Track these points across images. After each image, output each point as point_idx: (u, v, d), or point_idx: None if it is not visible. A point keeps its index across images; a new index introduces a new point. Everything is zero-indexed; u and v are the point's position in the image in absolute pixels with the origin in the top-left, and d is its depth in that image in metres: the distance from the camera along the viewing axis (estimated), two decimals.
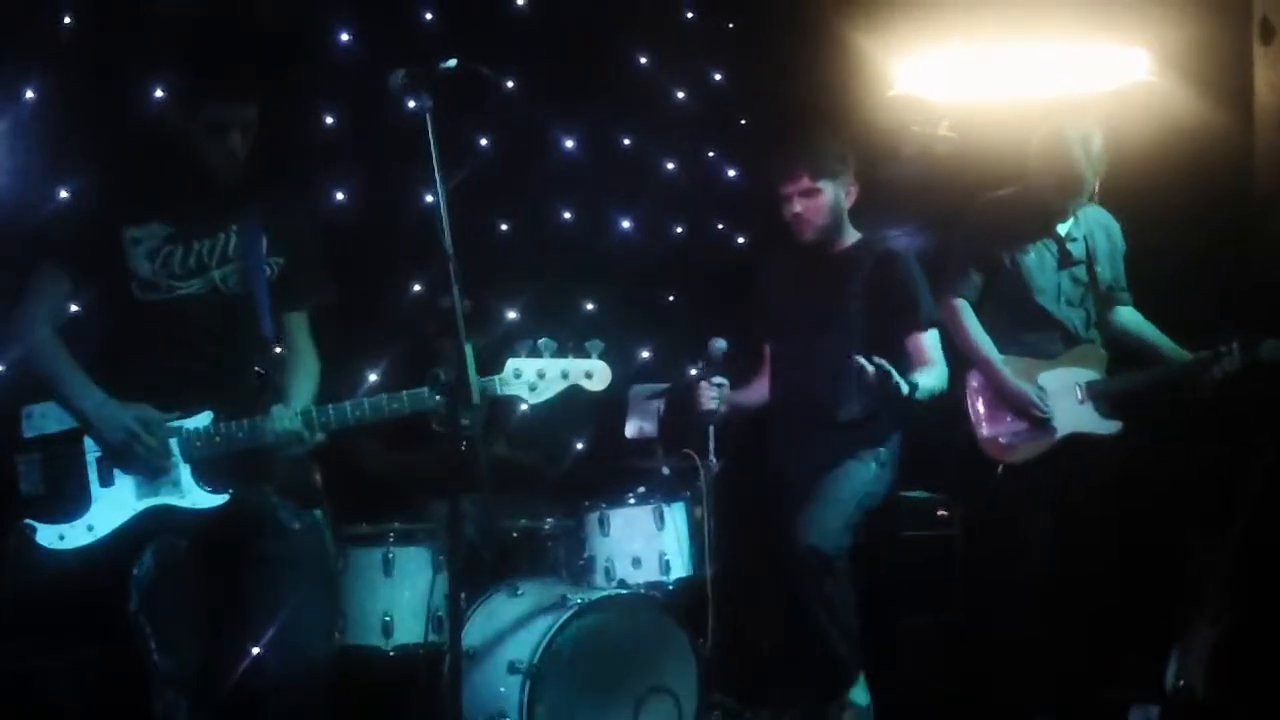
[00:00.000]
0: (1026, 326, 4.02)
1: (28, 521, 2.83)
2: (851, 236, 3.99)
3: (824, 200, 3.88)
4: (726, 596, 3.88)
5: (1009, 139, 4.32)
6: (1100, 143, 3.97)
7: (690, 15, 5.35)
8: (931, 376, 3.79)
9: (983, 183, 4.30)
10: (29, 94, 3.76)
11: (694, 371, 4.08)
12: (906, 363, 3.80)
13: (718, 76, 5.40)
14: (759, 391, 4.13)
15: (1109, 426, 3.97)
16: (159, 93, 3.68)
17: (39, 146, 3.77)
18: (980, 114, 4.64)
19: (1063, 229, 4.05)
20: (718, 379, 3.88)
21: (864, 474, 3.86)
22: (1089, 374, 4.00)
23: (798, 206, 3.88)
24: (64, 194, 3.38)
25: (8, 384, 2.97)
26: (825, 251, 3.96)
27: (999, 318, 4.01)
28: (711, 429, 3.99)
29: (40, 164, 3.74)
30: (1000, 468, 3.96)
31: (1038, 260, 4.02)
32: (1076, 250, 4.05)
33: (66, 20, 3.86)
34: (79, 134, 3.80)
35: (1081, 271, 4.05)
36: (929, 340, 3.88)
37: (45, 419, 2.88)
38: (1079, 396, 3.98)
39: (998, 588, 4.02)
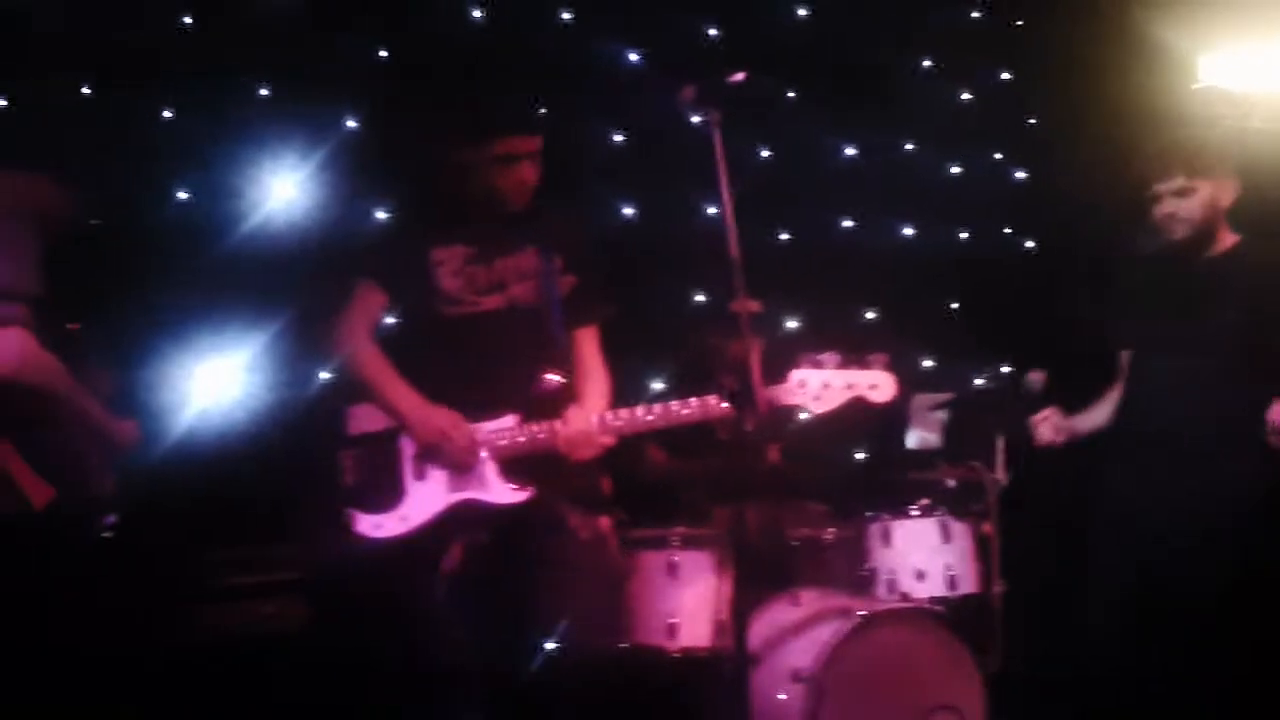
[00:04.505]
0: None
1: (349, 510, 3.09)
2: (1228, 240, 3.62)
3: (1200, 200, 3.53)
4: (1017, 618, 3.74)
5: None
6: None
7: (976, 14, 5.22)
8: None
9: None
10: (350, 123, 4.07)
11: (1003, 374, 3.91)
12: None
13: (1004, 76, 5.25)
14: (1107, 408, 3.75)
15: None
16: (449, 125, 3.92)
17: (355, 173, 4.09)
18: None
19: None
20: (1044, 411, 3.70)
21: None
22: None
23: (1170, 206, 3.54)
24: (378, 217, 3.64)
25: (335, 387, 3.27)
26: (1197, 256, 3.60)
27: None
28: (1000, 441, 3.88)
29: (355, 189, 4.05)
30: None
31: None
32: None
33: (382, 53, 4.16)
34: (390, 162, 4.09)
35: None
36: None
37: (367, 419, 3.17)
38: None
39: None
